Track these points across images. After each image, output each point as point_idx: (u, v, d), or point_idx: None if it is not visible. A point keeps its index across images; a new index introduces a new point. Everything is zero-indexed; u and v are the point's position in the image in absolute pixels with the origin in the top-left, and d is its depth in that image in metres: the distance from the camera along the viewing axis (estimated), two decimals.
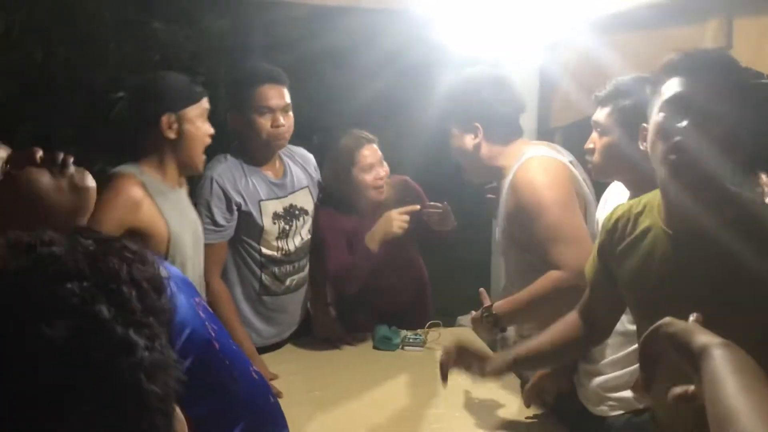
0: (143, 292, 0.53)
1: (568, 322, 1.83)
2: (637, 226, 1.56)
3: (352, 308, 2.99)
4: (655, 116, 1.43)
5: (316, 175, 2.81)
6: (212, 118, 2.27)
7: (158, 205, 2.12)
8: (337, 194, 2.83)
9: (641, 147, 1.51)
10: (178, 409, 0.65)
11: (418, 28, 3.91)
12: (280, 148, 2.61)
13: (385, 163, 2.81)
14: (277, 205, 2.62)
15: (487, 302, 2.18)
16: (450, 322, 3.15)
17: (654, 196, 1.54)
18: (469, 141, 2.32)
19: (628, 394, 1.94)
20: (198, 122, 2.18)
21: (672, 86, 1.41)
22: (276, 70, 2.53)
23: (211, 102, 2.25)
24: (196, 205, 2.42)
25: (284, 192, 2.64)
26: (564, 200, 2.12)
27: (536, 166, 2.19)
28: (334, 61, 4.96)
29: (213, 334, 1.24)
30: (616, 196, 2.07)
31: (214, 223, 2.48)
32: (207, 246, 2.41)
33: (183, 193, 2.31)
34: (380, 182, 2.78)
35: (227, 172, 2.52)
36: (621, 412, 1.98)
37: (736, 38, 2.87)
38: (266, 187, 2.59)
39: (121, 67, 4.23)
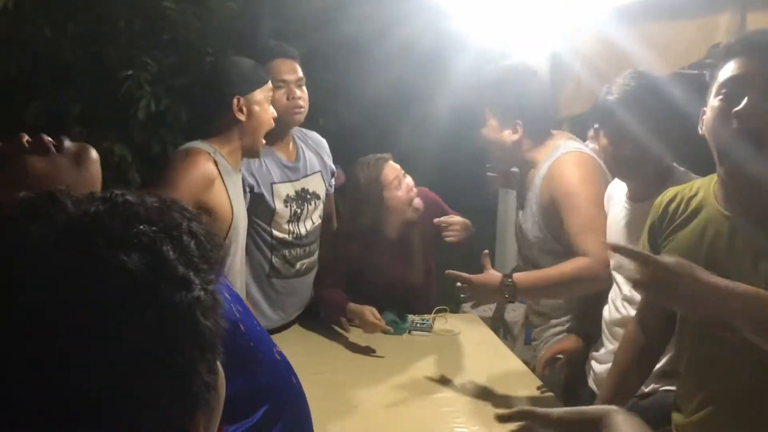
0: (200, 243, 0.60)
1: (628, 341, 1.77)
2: (689, 207, 1.55)
3: (362, 293, 3.00)
4: (712, 100, 1.42)
5: (329, 161, 2.81)
6: None
7: (226, 186, 2.15)
8: (362, 226, 2.78)
9: (700, 132, 1.49)
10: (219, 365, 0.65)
11: (432, 16, 3.91)
12: (296, 123, 2.60)
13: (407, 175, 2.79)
14: (289, 189, 2.61)
15: (488, 267, 2.25)
16: (456, 308, 3.17)
17: (708, 181, 1.53)
18: (507, 136, 2.37)
19: None
20: (265, 105, 2.23)
21: (728, 69, 1.39)
22: (286, 45, 2.56)
23: None
24: None
25: (297, 175, 2.64)
26: (596, 195, 2.22)
27: (572, 162, 2.29)
28: (347, 49, 4.95)
29: (238, 316, 1.24)
30: (621, 193, 2.10)
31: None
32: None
33: (240, 176, 2.33)
34: (413, 194, 2.76)
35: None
36: None
37: None
38: (279, 169, 2.59)
39: (131, 44, 4.22)
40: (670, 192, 1.64)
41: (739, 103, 1.35)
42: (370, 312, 2.66)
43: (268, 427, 1.29)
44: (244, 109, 2.17)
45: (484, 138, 2.43)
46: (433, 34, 4.24)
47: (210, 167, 2.10)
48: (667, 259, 1.29)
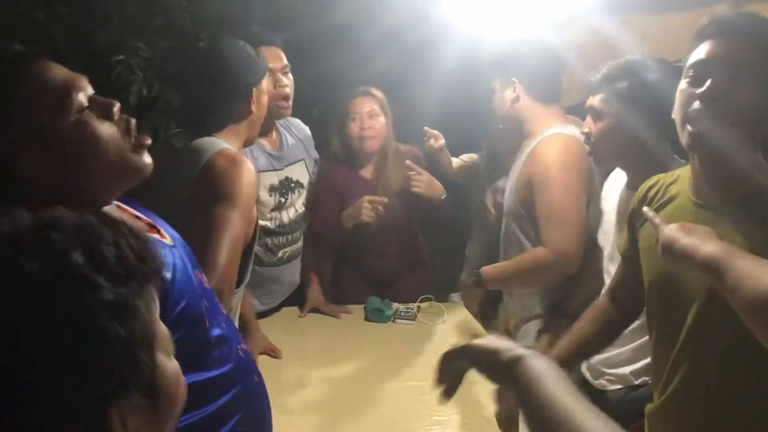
0: (123, 255, 0.63)
1: (597, 309, 1.78)
2: (666, 194, 1.54)
3: (348, 280, 3.02)
4: (681, 83, 1.40)
5: (312, 148, 2.80)
6: None
7: None
8: (336, 147, 2.92)
9: (672, 116, 1.45)
10: (169, 365, 0.67)
11: (423, 5, 3.89)
12: (284, 114, 2.54)
13: (380, 118, 2.86)
14: (273, 178, 2.60)
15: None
16: (442, 298, 3.17)
17: (687, 168, 1.51)
18: (507, 95, 2.39)
19: (626, 370, 2.01)
20: (266, 94, 2.10)
21: (698, 51, 1.36)
22: (269, 32, 2.48)
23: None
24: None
25: (281, 164, 2.62)
26: (572, 184, 2.20)
27: (557, 145, 2.25)
28: (337, 37, 4.93)
29: (205, 312, 1.25)
30: (621, 183, 2.08)
31: None
32: None
33: None
34: (366, 132, 2.83)
35: None
36: (619, 387, 2.04)
37: None
38: (264, 158, 2.57)
39: (123, 29, 4.19)
40: (652, 179, 1.64)
41: (704, 85, 1.32)
42: (365, 201, 2.69)
43: (225, 416, 1.29)
44: (256, 100, 2.02)
45: (493, 107, 2.47)
46: (424, 23, 4.22)
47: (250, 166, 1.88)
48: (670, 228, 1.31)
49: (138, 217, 1.30)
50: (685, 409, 1.47)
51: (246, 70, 1.98)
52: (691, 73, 1.37)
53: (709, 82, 1.32)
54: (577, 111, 4.28)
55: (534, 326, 2.42)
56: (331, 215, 2.83)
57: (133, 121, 1.18)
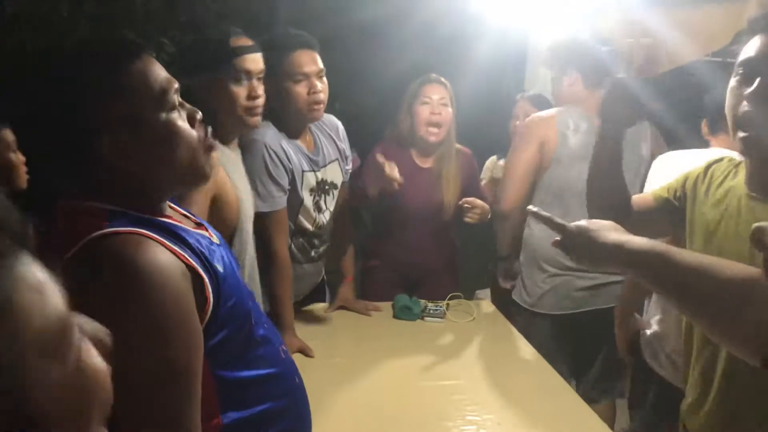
0: None
1: (639, 199, 1.73)
2: (726, 180, 1.49)
3: (379, 276, 3.02)
4: (731, 80, 1.35)
5: (343, 144, 2.74)
6: None
7: (227, 170, 2.02)
8: (399, 131, 2.94)
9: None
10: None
11: (450, 0, 3.86)
12: (317, 117, 2.47)
13: (449, 109, 2.85)
14: (312, 179, 2.54)
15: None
16: (469, 295, 3.14)
17: None
18: (566, 83, 2.70)
19: None
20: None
21: (749, 47, 1.32)
22: (306, 35, 2.42)
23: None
24: (249, 171, 2.28)
25: (317, 166, 2.56)
26: (518, 146, 2.74)
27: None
28: (366, 33, 4.91)
29: (251, 310, 1.27)
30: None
31: (279, 188, 2.38)
32: (272, 214, 2.35)
33: (238, 155, 2.23)
34: (434, 118, 2.83)
35: (276, 138, 2.39)
36: None
37: None
38: (305, 159, 2.52)
39: (147, 24, 4.20)
40: (720, 156, 1.59)
41: (753, 84, 1.28)
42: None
43: (272, 418, 1.31)
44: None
45: (552, 94, 2.85)
46: (452, 17, 4.19)
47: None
48: (571, 224, 1.35)
49: (187, 216, 1.34)
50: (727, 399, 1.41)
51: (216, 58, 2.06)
52: (741, 71, 1.32)
53: (758, 80, 1.28)
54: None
55: None
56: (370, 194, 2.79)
57: (210, 129, 1.24)
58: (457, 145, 2.98)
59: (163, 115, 1.14)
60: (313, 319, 2.73)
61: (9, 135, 2.50)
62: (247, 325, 1.24)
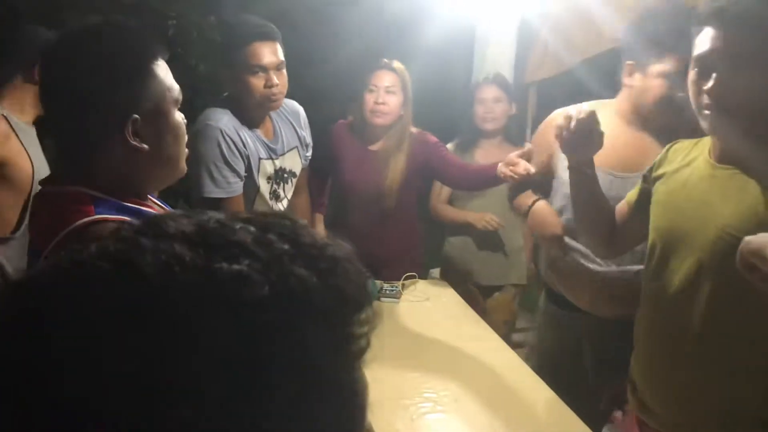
0: None
1: (617, 212, 1.86)
2: (688, 156, 1.60)
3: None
4: (690, 72, 1.46)
5: (304, 132, 2.72)
6: (183, 61, 2.19)
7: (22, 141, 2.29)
8: (350, 117, 2.97)
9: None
10: None
11: None
12: (274, 109, 2.47)
13: (396, 96, 2.84)
14: (271, 166, 2.53)
15: None
16: (423, 274, 3.19)
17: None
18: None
19: None
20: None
21: (702, 41, 1.41)
22: (268, 25, 2.39)
23: (183, 46, 2.17)
24: (202, 156, 2.29)
25: (275, 154, 2.54)
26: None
27: None
28: (317, 16, 4.88)
29: None
30: None
31: (234, 174, 2.36)
32: (228, 200, 2.34)
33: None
34: (378, 107, 2.82)
35: (231, 124, 2.37)
36: None
37: None
38: (262, 146, 2.50)
39: (91, 9, 4.10)
40: (679, 141, 1.70)
41: (710, 79, 1.39)
42: None
43: None
44: None
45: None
46: (403, 3, 4.19)
47: None
48: None
49: (161, 207, 1.38)
50: (673, 351, 1.57)
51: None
52: (697, 67, 1.43)
53: (714, 76, 1.38)
54: (547, 85, 4.31)
55: None
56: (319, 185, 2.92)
57: None
58: (417, 130, 2.96)
59: (175, 112, 1.26)
60: None
61: None
62: None
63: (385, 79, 2.84)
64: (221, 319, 0.43)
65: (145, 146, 1.21)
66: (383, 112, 2.83)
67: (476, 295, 3.26)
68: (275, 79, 2.33)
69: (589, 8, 3.40)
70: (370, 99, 2.84)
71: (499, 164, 2.45)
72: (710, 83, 1.39)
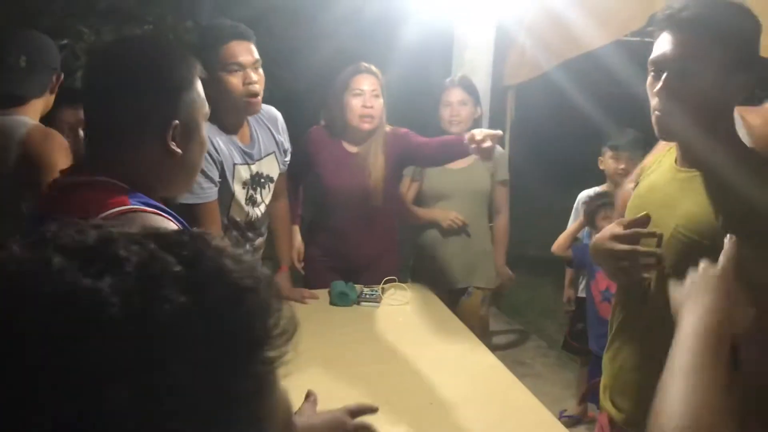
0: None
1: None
2: (660, 161, 1.66)
3: (318, 264, 3.05)
4: (648, 78, 1.50)
5: (282, 137, 2.70)
6: None
7: None
8: (330, 119, 2.96)
9: None
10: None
11: None
12: (255, 110, 2.45)
13: (380, 98, 2.86)
14: (246, 171, 2.52)
15: None
16: (403, 277, 3.20)
17: None
18: None
19: None
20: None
21: (657, 44, 1.46)
22: (242, 26, 2.38)
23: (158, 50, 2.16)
24: None
25: (252, 159, 2.53)
26: None
27: None
28: (291, 17, 4.88)
29: None
30: None
31: (208, 179, 2.36)
32: (202, 205, 2.34)
33: None
34: (366, 111, 2.83)
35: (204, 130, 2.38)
36: None
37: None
38: (237, 151, 2.49)
39: (67, 13, 4.07)
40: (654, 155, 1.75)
41: (660, 80, 1.43)
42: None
43: None
44: None
45: None
46: (377, 2, 4.21)
47: None
48: None
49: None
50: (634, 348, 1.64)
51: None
52: (652, 70, 1.47)
53: (664, 76, 1.43)
54: (525, 88, 4.35)
55: None
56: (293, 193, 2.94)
57: None
58: (390, 126, 2.98)
59: (204, 126, 1.36)
60: None
61: (71, 115, 2.65)
62: None
63: (369, 83, 2.85)
64: (70, 336, 0.43)
65: (179, 151, 1.30)
66: (372, 116, 2.85)
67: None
68: (253, 76, 2.34)
69: (564, 14, 3.44)
70: (356, 103, 2.84)
71: (466, 136, 2.50)
72: (659, 84, 1.43)
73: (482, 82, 3.86)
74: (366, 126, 2.86)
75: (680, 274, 1.34)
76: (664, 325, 1.49)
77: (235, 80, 2.32)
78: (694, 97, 1.40)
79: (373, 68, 2.90)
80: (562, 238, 3.49)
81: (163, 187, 1.37)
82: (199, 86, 1.35)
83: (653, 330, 1.54)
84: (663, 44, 1.44)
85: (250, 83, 2.33)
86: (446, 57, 4.03)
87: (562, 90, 4.10)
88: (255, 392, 0.51)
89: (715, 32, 1.39)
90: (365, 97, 2.84)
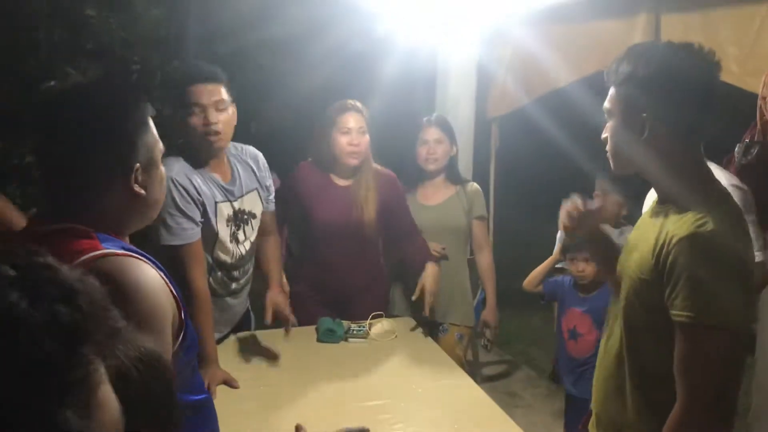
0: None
1: None
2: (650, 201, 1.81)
3: (306, 299, 3.04)
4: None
5: (263, 174, 2.71)
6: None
7: None
8: (318, 154, 3.00)
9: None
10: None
11: (361, 21, 3.93)
12: (219, 148, 2.46)
13: (366, 136, 2.92)
14: (228, 208, 2.53)
15: None
16: (390, 313, 3.20)
17: None
18: None
19: None
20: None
21: (608, 97, 1.63)
22: (210, 67, 2.41)
23: (147, 91, 2.19)
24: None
25: (233, 196, 2.55)
26: None
27: None
28: (276, 52, 4.92)
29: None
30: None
31: (190, 220, 2.37)
32: (185, 246, 2.35)
33: None
34: (354, 148, 2.90)
35: (183, 171, 2.39)
36: None
37: (664, 33, 3.00)
38: (218, 189, 2.50)
39: (53, 54, 4.10)
40: None
41: (605, 127, 1.65)
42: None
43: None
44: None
45: None
46: (362, 37, 4.26)
47: None
48: None
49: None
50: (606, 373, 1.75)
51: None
52: (605, 118, 1.65)
53: (609, 123, 1.63)
54: (508, 119, 4.40)
55: None
56: (334, 214, 2.96)
57: None
58: (378, 167, 3.03)
59: (161, 164, 1.40)
60: (238, 348, 2.72)
61: None
62: (194, 351, 1.37)
63: (355, 121, 2.90)
64: None
65: (143, 192, 1.33)
66: (359, 153, 2.91)
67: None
68: (213, 117, 2.35)
69: (541, 48, 3.51)
70: (343, 140, 2.90)
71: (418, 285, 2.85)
72: (603, 134, 1.66)
73: (466, 115, 3.92)
74: (353, 162, 2.92)
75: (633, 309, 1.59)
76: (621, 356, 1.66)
77: (194, 121, 2.35)
78: (628, 146, 1.59)
79: (359, 104, 2.95)
80: (533, 275, 3.38)
81: (131, 225, 1.40)
82: (152, 125, 1.38)
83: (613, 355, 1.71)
84: (609, 97, 1.61)
85: (208, 123, 2.35)
86: (430, 90, 4.09)
87: (545, 122, 4.15)
88: (80, 381, 0.54)
89: (650, 87, 1.51)
90: (352, 135, 2.89)
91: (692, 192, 1.54)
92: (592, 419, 1.83)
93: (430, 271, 2.93)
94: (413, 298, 2.91)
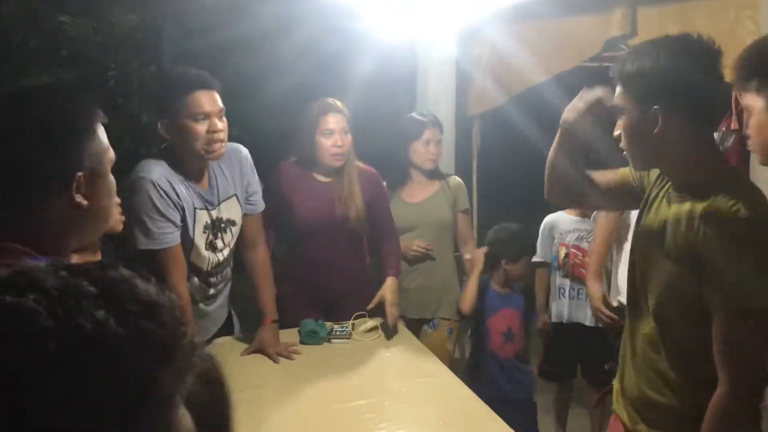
0: None
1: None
2: (662, 184, 1.75)
3: (293, 303, 2.97)
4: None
5: (247, 172, 2.66)
6: (125, 111, 2.18)
7: None
8: (301, 155, 2.97)
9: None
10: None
11: (335, 18, 3.91)
12: (217, 158, 2.44)
13: (348, 135, 2.90)
14: (206, 216, 2.51)
15: None
16: (374, 314, 3.18)
17: None
18: None
19: None
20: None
21: (616, 94, 1.67)
22: (206, 75, 2.39)
23: (124, 96, 2.17)
24: (134, 209, 2.28)
25: (212, 205, 2.52)
26: None
27: None
28: (250, 50, 4.89)
29: None
30: None
31: (170, 224, 2.35)
32: (166, 251, 2.33)
33: None
34: (337, 150, 2.87)
35: (163, 175, 2.36)
36: None
37: (641, 26, 3.01)
38: (197, 197, 2.47)
39: (28, 61, 4.06)
40: None
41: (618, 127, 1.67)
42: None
43: None
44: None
45: None
46: (338, 34, 4.25)
47: None
48: None
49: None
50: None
51: None
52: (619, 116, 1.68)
53: (618, 122, 1.66)
54: (489, 116, 4.40)
55: None
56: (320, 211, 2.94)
57: None
58: (361, 164, 3.01)
59: (110, 174, 1.32)
60: (221, 353, 2.70)
61: None
62: None
63: (337, 122, 2.88)
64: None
65: (86, 202, 1.25)
66: (343, 154, 2.89)
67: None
68: (218, 124, 2.34)
69: (521, 42, 3.52)
70: (326, 142, 2.87)
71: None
72: (616, 131, 1.67)
73: (447, 113, 3.91)
74: (337, 164, 2.91)
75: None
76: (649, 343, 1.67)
77: (200, 128, 2.32)
78: (644, 140, 1.60)
79: (339, 104, 2.92)
80: (471, 299, 3.21)
81: (75, 240, 1.33)
82: (102, 132, 1.30)
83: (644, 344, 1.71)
84: (616, 95, 1.64)
85: (215, 131, 2.33)
86: (410, 87, 4.08)
87: (526, 117, 4.16)
88: (164, 401, 0.54)
89: (660, 79, 1.54)
90: (335, 137, 2.86)
91: (718, 178, 1.57)
92: (616, 392, 1.85)
93: (389, 283, 2.92)
94: (368, 307, 2.91)
